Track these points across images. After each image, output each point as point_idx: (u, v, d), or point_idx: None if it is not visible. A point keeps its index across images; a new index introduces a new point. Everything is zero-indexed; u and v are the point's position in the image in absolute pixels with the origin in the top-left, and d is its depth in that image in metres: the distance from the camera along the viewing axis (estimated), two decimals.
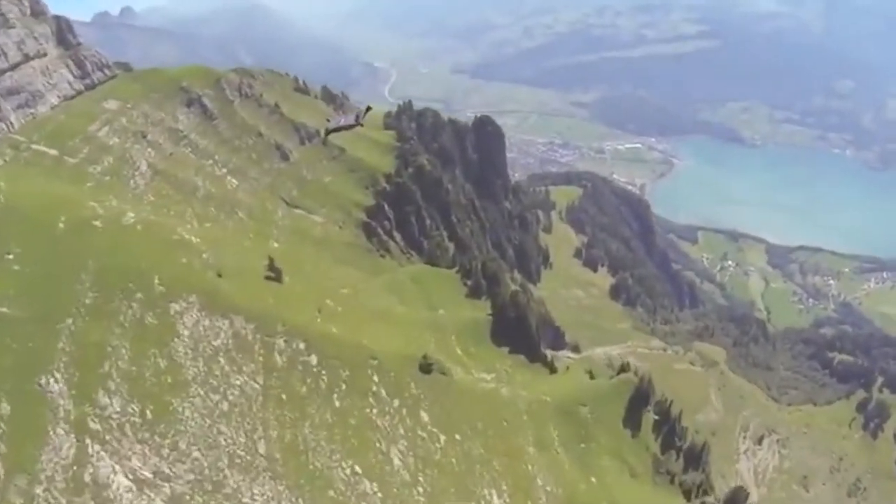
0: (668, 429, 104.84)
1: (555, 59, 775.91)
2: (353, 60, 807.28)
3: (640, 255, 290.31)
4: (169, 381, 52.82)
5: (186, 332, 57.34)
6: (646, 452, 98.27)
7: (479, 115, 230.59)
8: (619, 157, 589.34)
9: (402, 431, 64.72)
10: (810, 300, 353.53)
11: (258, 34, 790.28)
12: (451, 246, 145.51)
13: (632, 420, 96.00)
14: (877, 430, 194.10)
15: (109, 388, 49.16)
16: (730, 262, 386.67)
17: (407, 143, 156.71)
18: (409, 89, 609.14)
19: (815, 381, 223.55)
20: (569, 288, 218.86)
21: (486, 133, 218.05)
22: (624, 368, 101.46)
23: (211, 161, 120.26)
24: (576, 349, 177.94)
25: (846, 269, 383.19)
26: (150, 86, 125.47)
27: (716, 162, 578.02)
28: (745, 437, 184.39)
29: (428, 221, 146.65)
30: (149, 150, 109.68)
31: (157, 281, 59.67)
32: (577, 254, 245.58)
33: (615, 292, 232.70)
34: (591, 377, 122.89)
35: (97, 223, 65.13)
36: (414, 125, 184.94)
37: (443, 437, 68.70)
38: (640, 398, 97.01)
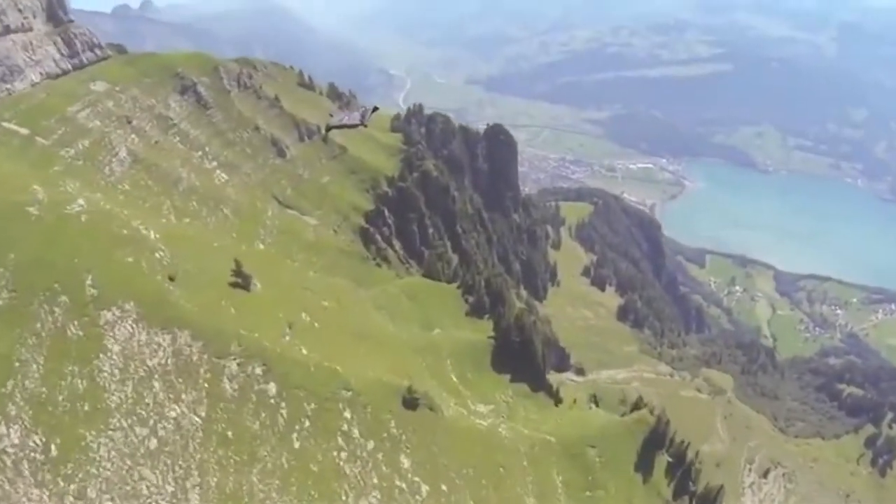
0: (683, 472, 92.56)
1: (569, 76, 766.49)
2: (369, 66, 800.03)
3: (649, 277, 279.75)
4: (86, 408, 42.12)
5: (116, 348, 46.24)
6: (657, 498, 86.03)
7: (491, 123, 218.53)
8: (631, 177, 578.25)
9: (375, 480, 52.56)
10: (817, 329, 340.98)
11: (276, 35, 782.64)
12: (454, 257, 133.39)
13: (644, 463, 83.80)
14: (886, 466, 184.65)
15: (9, 414, 39.00)
16: (737, 288, 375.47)
17: (414, 146, 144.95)
18: (423, 98, 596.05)
19: (822, 414, 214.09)
20: (576, 307, 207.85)
21: (499, 142, 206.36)
22: (638, 405, 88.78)
23: (200, 152, 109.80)
24: (580, 372, 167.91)
25: (854, 300, 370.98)
26: (143, 70, 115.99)
27: (727, 186, 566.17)
28: (750, 470, 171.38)
29: (431, 230, 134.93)
30: (132, 136, 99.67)
31: (89, 282, 48.49)
32: (586, 272, 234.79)
33: (623, 313, 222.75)
34: (595, 403, 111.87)
35: (32, 209, 54.06)
36: (423, 130, 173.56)
37: (425, 488, 56.52)
38: (655, 439, 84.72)
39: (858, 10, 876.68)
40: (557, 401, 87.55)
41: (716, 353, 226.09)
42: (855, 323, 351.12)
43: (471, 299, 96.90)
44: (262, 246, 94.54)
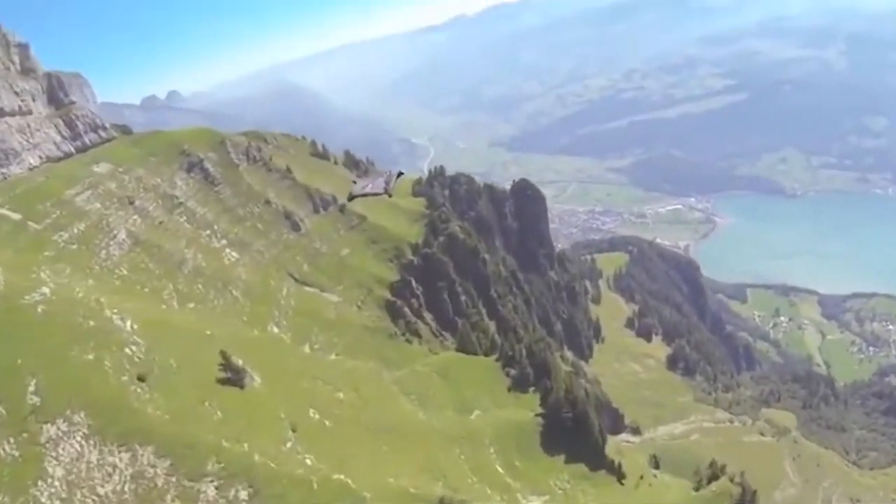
0: None
1: (588, 126, 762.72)
2: (391, 137, 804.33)
3: (693, 320, 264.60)
4: None
5: (59, 472, 35.53)
6: None
7: (517, 179, 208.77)
8: (661, 220, 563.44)
9: None
10: (870, 348, 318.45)
11: (298, 114, 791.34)
12: (491, 325, 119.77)
13: None
14: None
15: None
16: (782, 318, 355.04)
17: (437, 210, 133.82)
18: (447, 164, 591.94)
19: (894, 439, 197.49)
20: (623, 362, 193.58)
21: (526, 198, 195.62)
22: (716, 473, 74.22)
23: (208, 231, 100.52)
24: (636, 431, 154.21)
25: None
26: (148, 149, 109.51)
27: (758, 216, 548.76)
28: None
29: (463, 298, 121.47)
30: (134, 217, 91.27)
31: (31, 388, 37.68)
32: (629, 324, 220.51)
33: (672, 362, 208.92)
34: (657, 465, 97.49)
35: None
36: (447, 192, 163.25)
37: None
38: None
39: (864, 19, 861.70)
40: (621, 477, 73.56)
41: (773, 390, 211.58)
42: None
43: (513, 371, 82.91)
44: (276, 329, 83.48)
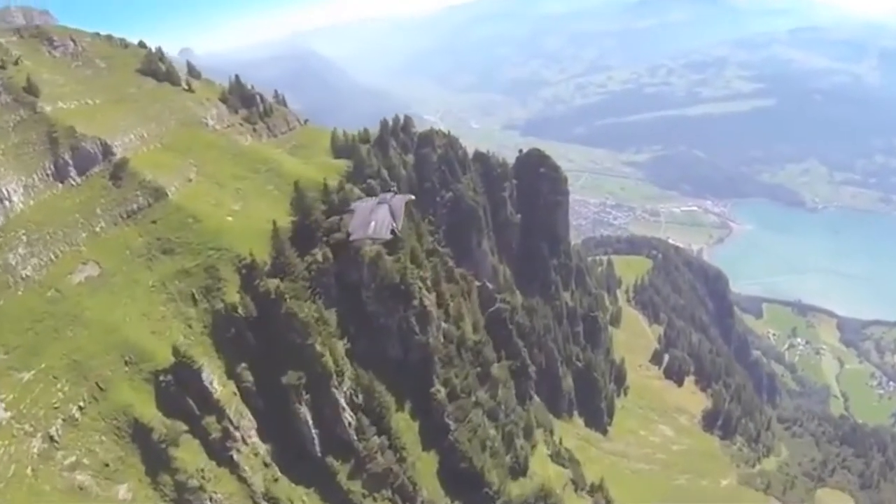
0: None
1: (607, 118, 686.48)
2: (403, 112, 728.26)
3: (724, 349, 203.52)
4: None
5: None
6: None
7: (524, 150, 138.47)
8: (675, 220, 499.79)
9: None
10: (890, 383, 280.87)
11: (312, 80, 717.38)
12: (434, 460, 46.91)
13: None
14: None
15: None
16: (799, 340, 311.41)
17: (364, 182, 64.72)
18: None
19: None
20: (651, 424, 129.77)
21: (539, 178, 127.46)
22: None
23: None
24: None
25: None
26: None
27: (776, 226, 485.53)
28: None
29: (353, 411, 47.11)
30: None
31: None
32: (656, 358, 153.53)
33: (709, 419, 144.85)
34: None
35: None
36: (411, 158, 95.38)
37: None
38: None
39: None
40: None
41: (826, 462, 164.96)
42: None
43: None
44: None
